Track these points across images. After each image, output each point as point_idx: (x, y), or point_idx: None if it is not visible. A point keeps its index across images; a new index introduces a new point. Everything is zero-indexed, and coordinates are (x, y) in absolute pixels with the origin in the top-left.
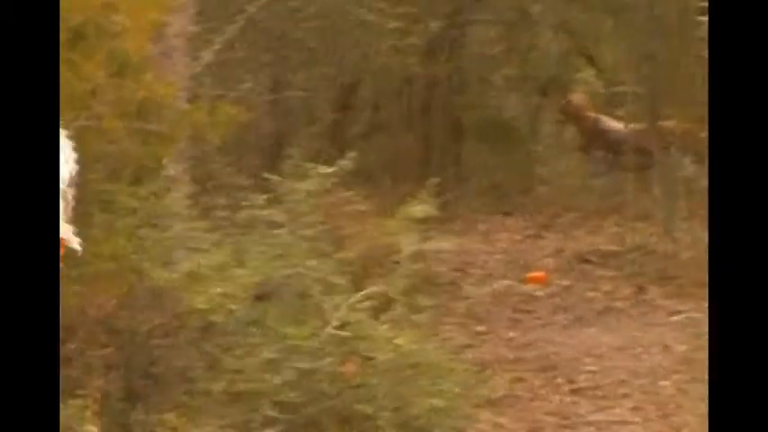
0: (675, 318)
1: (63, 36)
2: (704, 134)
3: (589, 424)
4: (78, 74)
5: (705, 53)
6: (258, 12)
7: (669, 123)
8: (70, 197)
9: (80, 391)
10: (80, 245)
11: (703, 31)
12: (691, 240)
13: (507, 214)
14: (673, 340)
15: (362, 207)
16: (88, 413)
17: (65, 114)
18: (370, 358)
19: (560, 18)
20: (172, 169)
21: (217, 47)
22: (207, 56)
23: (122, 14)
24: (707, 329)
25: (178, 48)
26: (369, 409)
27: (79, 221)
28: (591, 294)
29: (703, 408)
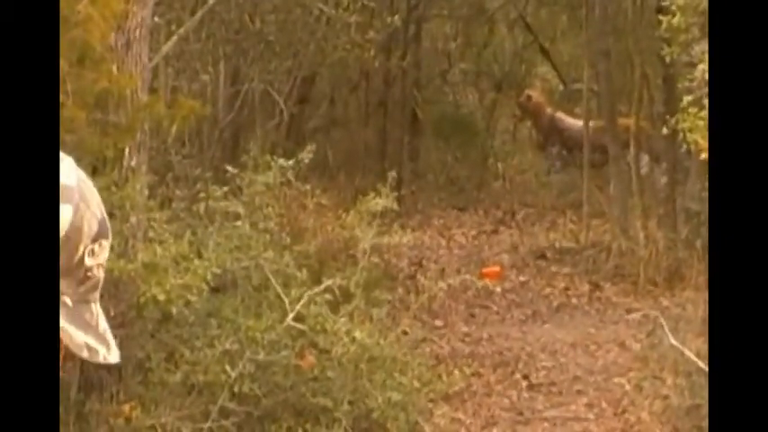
0: (631, 315)
1: None
2: (661, 132)
3: (544, 419)
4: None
5: (662, 51)
6: (218, 4)
7: (626, 121)
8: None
9: None
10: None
11: (659, 30)
12: (645, 238)
13: (463, 209)
14: (628, 337)
15: (320, 200)
16: None
17: None
18: (328, 351)
19: (516, 14)
20: (131, 160)
21: (176, 38)
22: (166, 47)
23: (85, 4)
24: (660, 327)
25: (138, 39)
26: (326, 402)
27: None
28: (547, 291)
29: (657, 404)
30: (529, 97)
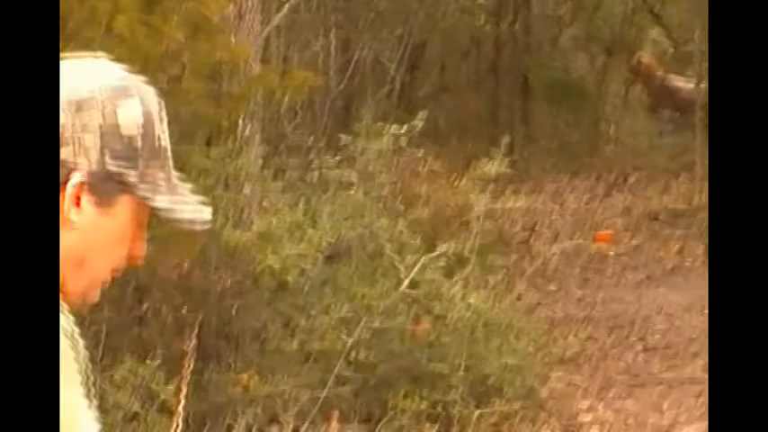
0: None
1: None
2: None
3: (660, 382)
4: (155, 36)
5: None
6: None
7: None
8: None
9: (155, 352)
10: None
11: None
12: None
13: (576, 174)
14: None
15: (433, 167)
16: (163, 372)
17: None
18: (443, 317)
19: None
20: (245, 130)
21: (287, 9)
22: (278, 18)
23: None
24: None
25: (250, 10)
26: (441, 368)
27: None
28: (660, 253)
29: None
30: (640, 60)
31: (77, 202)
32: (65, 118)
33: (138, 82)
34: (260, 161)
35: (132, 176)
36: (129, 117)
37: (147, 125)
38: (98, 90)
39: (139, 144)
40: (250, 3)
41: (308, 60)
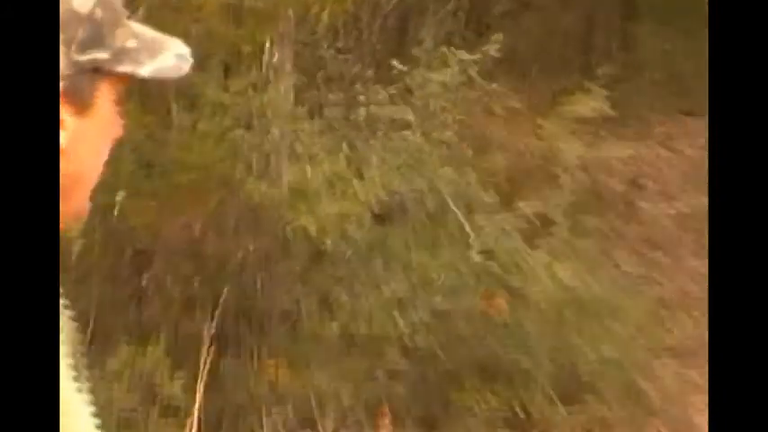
0: None
1: None
2: None
3: None
4: None
5: None
6: None
7: None
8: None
9: (157, 335)
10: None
11: None
12: None
13: (690, 114)
14: None
15: (511, 103)
16: (169, 362)
17: None
18: (523, 295)
19: None
20: (273, 56)
21: None
22: None
23: None
24: None
25: None
26: (521, 359)
27: (151, 120)
28: None
29: None
30: None
31: (77, 109)
32: None
33: None
34: (291, 95)
35: (107, 57)
36: None
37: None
38: None
39: (100, 16)
40: None
41: None
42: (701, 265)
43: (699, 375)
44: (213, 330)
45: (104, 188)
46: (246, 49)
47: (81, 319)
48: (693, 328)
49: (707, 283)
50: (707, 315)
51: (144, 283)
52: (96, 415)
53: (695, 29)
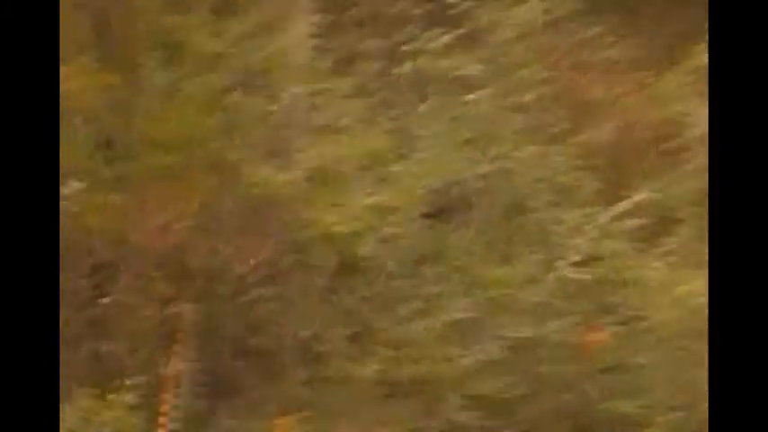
0: None
1: None
2: None
3: None
4: None
5: None
6: None
7: None
8: None
9: (122, 380)
10: None
11: None
12: None
13: None
14: None
15: (614, 54)
16: (136, 418)
17: None
18: (635, 318)
19: None
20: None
21: None
22: None
23: None
24: None
25: None
26: (631, 408)
27: (115, 80)
28: None
29: None
30: None
31: None
32: None
33: None
34: (310, 43)
35: None
36: None
37: None
38: None
39: None
40: None
41: None
42: None
43: None
44: (200, 374)
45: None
46: None
47: None
48: None
49: None
50: None
51: (105, 307)
52: None
53: None
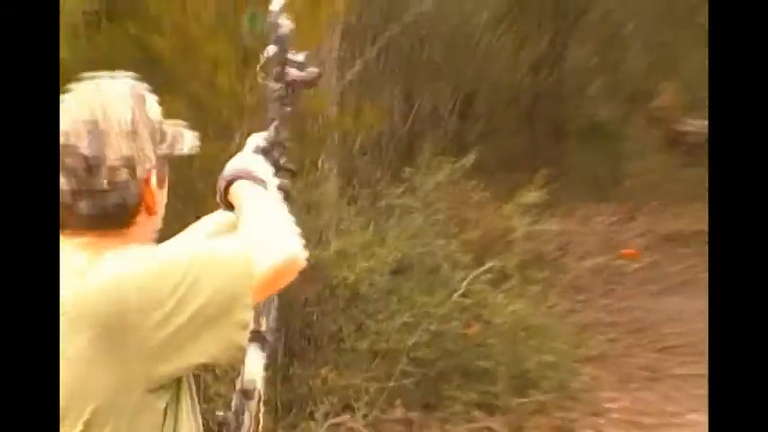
0: None
1: (238, 56)
2: None
3: (674, 377)
4: (254, 89)
5: None
6: (392, 37)
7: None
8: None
9: None
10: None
11: None
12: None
13: (602, 201)
14: None
15: (482, 196)
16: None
17: (233, 125)
18: (489, 322)
19: (648, 36)
20: (324, 165)
21: (358, 67)
22: (351, 73)
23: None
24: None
25: (330, 68)
26: (488, 364)
27: None
28: (675, 268)
29: None
30: (658, 107)
31: (160, 184)
32: (128, 142)
33: (132, 81)
34: (337, 191)
35: (167, 151)
36: (154, 109)
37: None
38: (132, 107)
39: (164, 126)
40: (328, 65)
41: (377, 108)
42: (608, 302)
43: (605, 374)
44: (283, 347)
45: None
46: (307, 161)
47: None
48: (603, 344)
49: (612, 314)
50: (610, 334)
51: None
52: (208, 401)
53: (606, 146)
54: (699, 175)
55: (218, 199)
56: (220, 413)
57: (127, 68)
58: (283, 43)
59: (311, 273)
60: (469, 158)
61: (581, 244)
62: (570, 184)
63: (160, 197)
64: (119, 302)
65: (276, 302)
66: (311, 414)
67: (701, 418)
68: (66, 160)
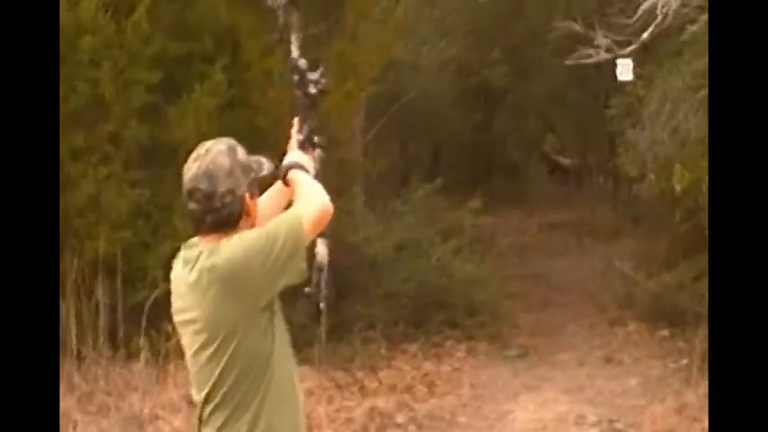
0: None
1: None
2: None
3: (558, 305)
4: None
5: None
6: (394, 113)
7: (591, 159)
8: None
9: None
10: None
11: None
12: None
13: (514, 206)
14: None
15: (445, 204)
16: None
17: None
18: (452, 275)
19: (538, 107)
20: (354, 189)
21: (373, 131)
22: (369, 135)
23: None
24: None
25: (357, 131)
26: (452, 300)
27: None
28: (556, 243)
29: None
30: (544, 152)
31: (252, 198)
32: (229, 178)
33: (227, 140)
34: (362, 203)
35: (254, 175)
36: (242, 154)
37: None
38: (228, 157)
39: (251, 161)
40: (357, 131)
41: (385, 153)
42: (520, 263)
43: (520, 304)
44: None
45: None
46: (344, 187)
47: None
48: (517, 287)
49: (521, 269)
50: (521, 281)
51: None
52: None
53: (517, 177)
54: (568, 192)
55: (280, 180)
56: (307, 289)
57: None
58: (304, 72)
59: (349, 249)
60: (437, 183)
61: (502, 230)
62: (496, 197)
63: (253, 204)
64: (233, 263)
65: (327, 260)
66: (350, 330)
67: (573, 327)
68: (195, 194)
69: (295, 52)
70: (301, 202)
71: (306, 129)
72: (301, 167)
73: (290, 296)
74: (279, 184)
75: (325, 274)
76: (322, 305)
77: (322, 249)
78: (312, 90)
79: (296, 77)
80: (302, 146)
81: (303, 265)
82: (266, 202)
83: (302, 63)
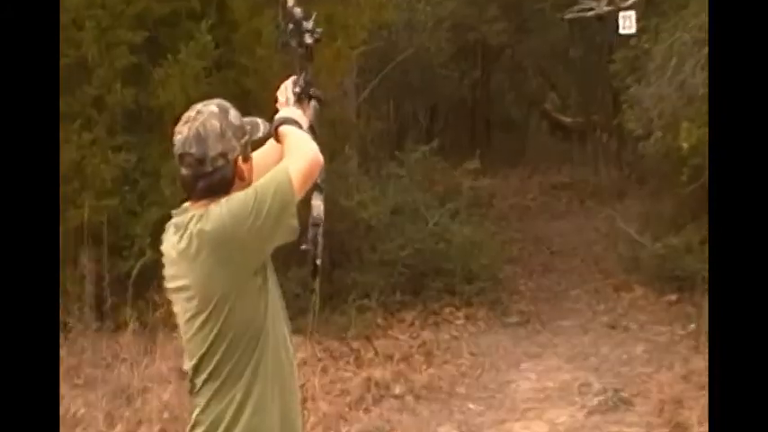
0: None
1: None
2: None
3: (559, 270)
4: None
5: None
6: (389, 71)
7: (595, 117)
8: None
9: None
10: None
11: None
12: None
13: (514, 166)
14: None
15: (442, 166)
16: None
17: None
18: (449, 240)
19: (538, 64)
20: (346, 152)
21: (367, 91)
22: (362, 96)
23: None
24: None
25: (349, 91)
26: (450, 266)
27: None
28: (558, 205)
29: None
30: (545, 108)
31: (245, 161)
32: (220, 142)
33: (219, 101)
34: (356, 165)
35: (248, 137)
36: (234, 116)
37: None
38: (219, 119)
39: (244, 122)
40: (349, 90)
41: (379, 115)
42: (520, 226)
43: (520, 269)
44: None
45: None
46: (338, 148)
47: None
48: (517, 251)
49: (521, 233)
50: (521, 245)
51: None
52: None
53: (517, 134)
54: (570, 151)
55: (272, 135)
56: (304, 246)
57: (225, 97)
58: (299, 21)
59: (342, 214)
60: (434, 144)
61: (502, 192)
62: (495, 157)
63: (247, 168)
64: (222, 227)
65: (321, 226)
66: (344, 299)
67: (576, 292)
68: (185, 159)
69: (290, 1)
70: (289, 156)
71: (302, 80)
72: (294, 122)
73: (282, 265)
74: (272, 140)
75: (320, 229)
76: (318, 261)
77: (317, 203)
78: (308, 40)
79: (291, 27)
80: (299, 98)
81: (294, 221)
82: (259, 159)
83: (298, 12)
